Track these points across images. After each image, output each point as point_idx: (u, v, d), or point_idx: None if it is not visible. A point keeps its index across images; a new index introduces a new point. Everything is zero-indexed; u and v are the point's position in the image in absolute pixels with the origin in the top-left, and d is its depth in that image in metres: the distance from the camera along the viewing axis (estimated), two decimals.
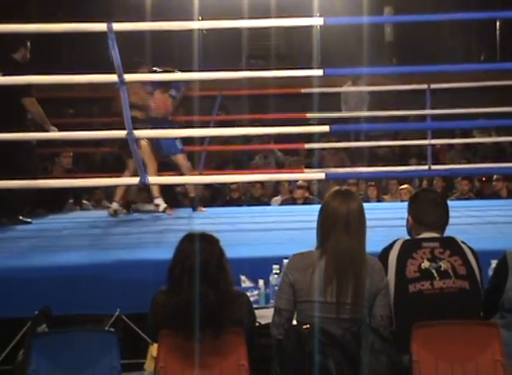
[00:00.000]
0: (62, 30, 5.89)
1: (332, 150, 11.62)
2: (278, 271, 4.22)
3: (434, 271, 3.43)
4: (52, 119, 7.12)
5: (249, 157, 12.46)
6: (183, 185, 8.68)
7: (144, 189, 7.82)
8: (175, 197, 9.09)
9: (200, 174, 8.35)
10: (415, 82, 9.19)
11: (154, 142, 7.42)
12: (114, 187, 7.90)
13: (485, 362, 3.27)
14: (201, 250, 3.38)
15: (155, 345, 3.42)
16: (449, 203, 3.70)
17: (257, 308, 3.84)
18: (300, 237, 4.97)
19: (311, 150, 10.94)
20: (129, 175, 7.35)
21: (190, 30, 9.76)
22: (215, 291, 3.34)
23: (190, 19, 11.08)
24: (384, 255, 3.52)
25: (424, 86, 8.84)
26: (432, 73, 9.47)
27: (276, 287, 3.90)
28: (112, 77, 5.74)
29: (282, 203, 9.80)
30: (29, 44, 6.98)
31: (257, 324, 3.69)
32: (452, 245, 3.51)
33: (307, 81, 8.39)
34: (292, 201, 9.64)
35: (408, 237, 3.62)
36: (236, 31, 9.22)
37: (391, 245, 3.54)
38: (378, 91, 10.87)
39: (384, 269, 3.44)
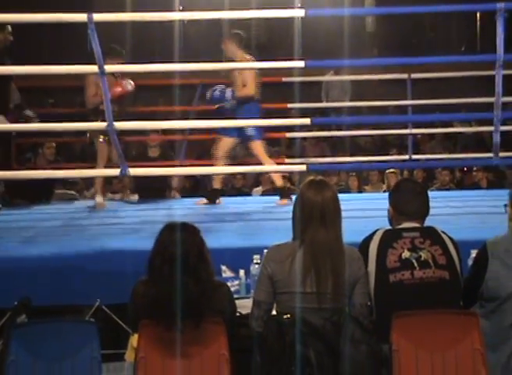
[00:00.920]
0: (42, 20, 5.83)
1: (313, 140, 11.62)
2: (258, 261, 4.20)
3: (414, 261, 3.43)
4: (32, 109, 7.08)
5: None
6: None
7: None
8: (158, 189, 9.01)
9: (181, 165, 8.30)
10: (396, 71, 9.19)
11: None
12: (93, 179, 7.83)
13: (465, 351, 3.30)
14: (182, 240, 3.37)
15: (136, 335, 3.42)
16: (430, 193, 3.70)
17: (237, 299, 3.84)
18: (280, 227, 4.95)
19: (292, 139, 10.91)
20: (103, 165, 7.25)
21: (171, 21, 9.72)
22: (196, 281, 3.34)
23: (171, 10, 11.06)
24: (364, 245, 3.52)
25: (405, 75, 8.87)
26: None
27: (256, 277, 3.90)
28: (93, 68, 5.72)
29: (263, 193, 9.77)
30: (9, 27, 6.90)
31: (237, 314, 3.70)
32: (432, 235, 3.52)
33: (288, 70, 8.38)
34: (273, 191, 9.62)
35: (389, 228, 3.62)
36: (217, 22, 9.20)
37: (371, 235, 3.54)
38: (358, 81, 10.89)
39: (365, 259, 3.44)
